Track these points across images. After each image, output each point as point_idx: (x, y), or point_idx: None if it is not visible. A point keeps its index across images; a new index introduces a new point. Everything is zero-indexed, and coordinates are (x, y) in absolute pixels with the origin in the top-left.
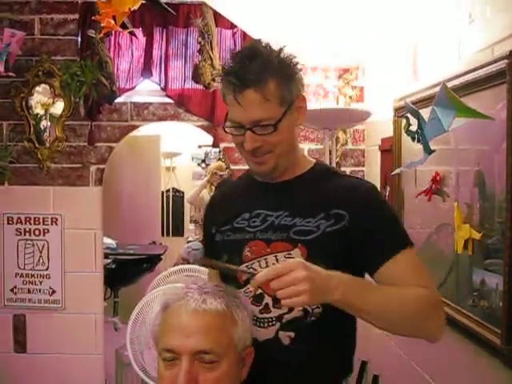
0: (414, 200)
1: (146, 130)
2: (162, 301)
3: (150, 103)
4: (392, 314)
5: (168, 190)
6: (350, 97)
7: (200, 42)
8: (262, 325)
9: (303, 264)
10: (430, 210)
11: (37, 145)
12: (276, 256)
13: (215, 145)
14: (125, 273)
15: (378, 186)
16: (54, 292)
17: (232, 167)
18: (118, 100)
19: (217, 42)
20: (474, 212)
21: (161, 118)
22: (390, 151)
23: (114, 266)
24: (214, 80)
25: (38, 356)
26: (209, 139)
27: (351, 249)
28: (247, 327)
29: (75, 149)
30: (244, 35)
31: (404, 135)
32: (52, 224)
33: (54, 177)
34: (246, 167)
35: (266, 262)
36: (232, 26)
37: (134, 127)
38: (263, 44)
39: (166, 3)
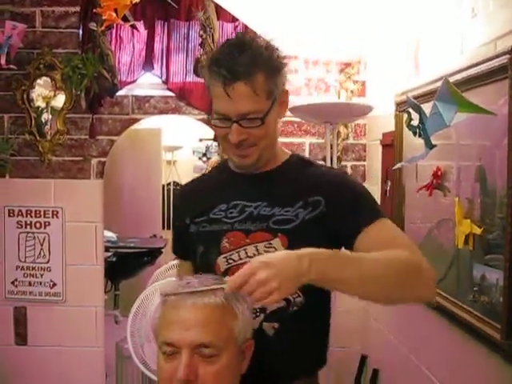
0: (415, 195)
1: (147, 123)
2: (161, 294)
3: (152, 96)
4: (374, 279)
5: (169, 184)
6: (352, 91)
7: (202, 36)
8: None
9: (263, 263)
10: (431, 204)
11: (38, 137)
12: (256, 246)
13: (216, 138)
14: (125, 266)
15: (379, 181)
16: (54, 285)
17: None
18: (120, 93)
19: (218, 35)
20: (474, 207)
21: (162, 112)
22: (391, 146)
23: (114, 259)
24: None
25: (39, 348)
26: (210, 133)
27: (330, 233)
28: (247, 320)
29: (76, 142)
30: (246, 29)
31: (405, 130)
32: (53, 217)
33: (55, 170)
34: None
35: (246, 253)
36: (234, 20)
37: (135, 120)
38: (251, 36)
39: None
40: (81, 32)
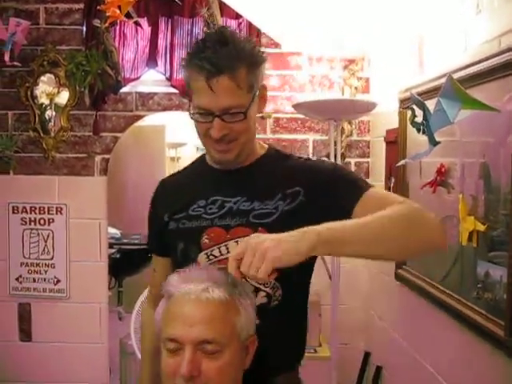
0: (418, 192)
1: (151, 120)
2: (165, 290)
3: (155, 93)
4: (382, 236)
5: None
6: (356, 88)
7: (205, 32)
8: None
9: (259, 235)
10: (435, 201)
11: (42, 134)
12: (237, 241)
13: None
14: (129, 262)
15: (383, 178)
16: (58, 281)
17: None
18: (123, 90)
19: None
20: (478, 204)
21: (166, 108)
22: (395, 142)
23: (118, 256)
24: None
25: (43, 345)
26: None
27: (313, 222)
28: (250, 316)
29: (80, 138)
30: (249, 25)
31: (409, 126)
32: (57, 213)
33: (58, 166)
34: None
35: (227, 248)
36: (237, 16)
37: (139, 117)
38: (230, 31)
39: None
40: (84, 29)
